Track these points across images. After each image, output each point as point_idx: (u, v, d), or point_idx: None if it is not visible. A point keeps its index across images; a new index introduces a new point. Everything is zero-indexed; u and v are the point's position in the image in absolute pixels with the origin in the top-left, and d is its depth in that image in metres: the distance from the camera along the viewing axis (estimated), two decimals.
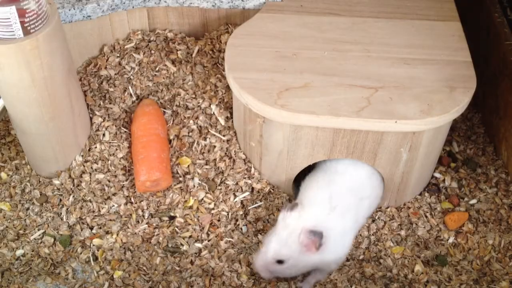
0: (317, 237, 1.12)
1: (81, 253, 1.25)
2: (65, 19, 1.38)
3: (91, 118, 1.38)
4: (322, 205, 1.19)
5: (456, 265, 1.24)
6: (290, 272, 1.18)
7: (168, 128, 1.40)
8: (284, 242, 1.14)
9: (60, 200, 1.32)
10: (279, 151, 1.25)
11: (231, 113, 1.39)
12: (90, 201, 1.31)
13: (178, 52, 1.52)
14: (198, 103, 1.42)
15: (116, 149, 1.36)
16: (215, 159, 1.35)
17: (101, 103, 1.42)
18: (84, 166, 1.34)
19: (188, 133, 1.38)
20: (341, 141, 1.19)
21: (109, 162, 1.35)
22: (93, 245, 1.26)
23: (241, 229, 1.29)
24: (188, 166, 1.35)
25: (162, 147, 1.34)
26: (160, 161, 1.30)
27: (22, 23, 1.06)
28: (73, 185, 1.33)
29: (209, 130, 1.37)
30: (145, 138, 1.33)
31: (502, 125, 1.42)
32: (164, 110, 1.43)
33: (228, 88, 1.41)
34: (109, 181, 1.33)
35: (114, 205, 1.31)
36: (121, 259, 1.24)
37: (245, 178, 1.34)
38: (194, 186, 1.32)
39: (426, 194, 1.35)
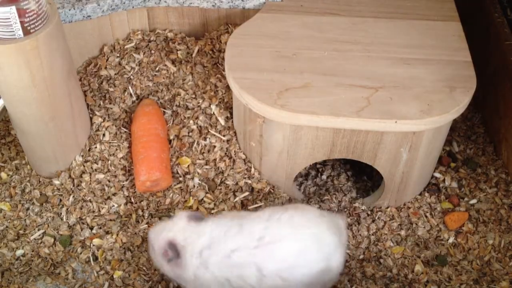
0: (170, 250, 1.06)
1: (81, 253, 1.25)
2: (65, 19, 1.38)
3: (91, 118, 1.38)
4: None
5: (456, 265, 1.24)
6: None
7: (168, 128, 1.40)
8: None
9: (60, 200, 1.32)
10: (279, 151, 1.25)
11: (231, 113, 1.39)
12: (90, 201, 1.31)
13: (178, 52, 1.52)
14: (198, 103, 1.42)
15: (116, 149, 1.36)
16: (215, 159, 1.35)
17: (101, 103, 1.42)
18: (84, 166, 1.34)
19: (188, 133, 1.38)
20: (341, 141, 1.19)
21: (109, 162, 1.35)
22: (93, 245, 1.26)
23: None
24: (188, 166, 1.35)
25: (162, 147, 1.34)
26: (160, 161, 1.30)
27: (22, 23, 1.06)
28: (73, 185, 1.33)
29: (209, 130, 1.37)
30: (145, 138, 1.33)
31: (502, 125, 1.42)
32: (164, 110, 1.43)
33: (228, 88, 1.41)
34: (109, 181, 1.33)
35: (114, 205, 1.31)
36: (121, 259, 1.24)
37: (245, 178, 1.34)
38: (194, 186, 1.32)
39: (426, 194, 1.35)
